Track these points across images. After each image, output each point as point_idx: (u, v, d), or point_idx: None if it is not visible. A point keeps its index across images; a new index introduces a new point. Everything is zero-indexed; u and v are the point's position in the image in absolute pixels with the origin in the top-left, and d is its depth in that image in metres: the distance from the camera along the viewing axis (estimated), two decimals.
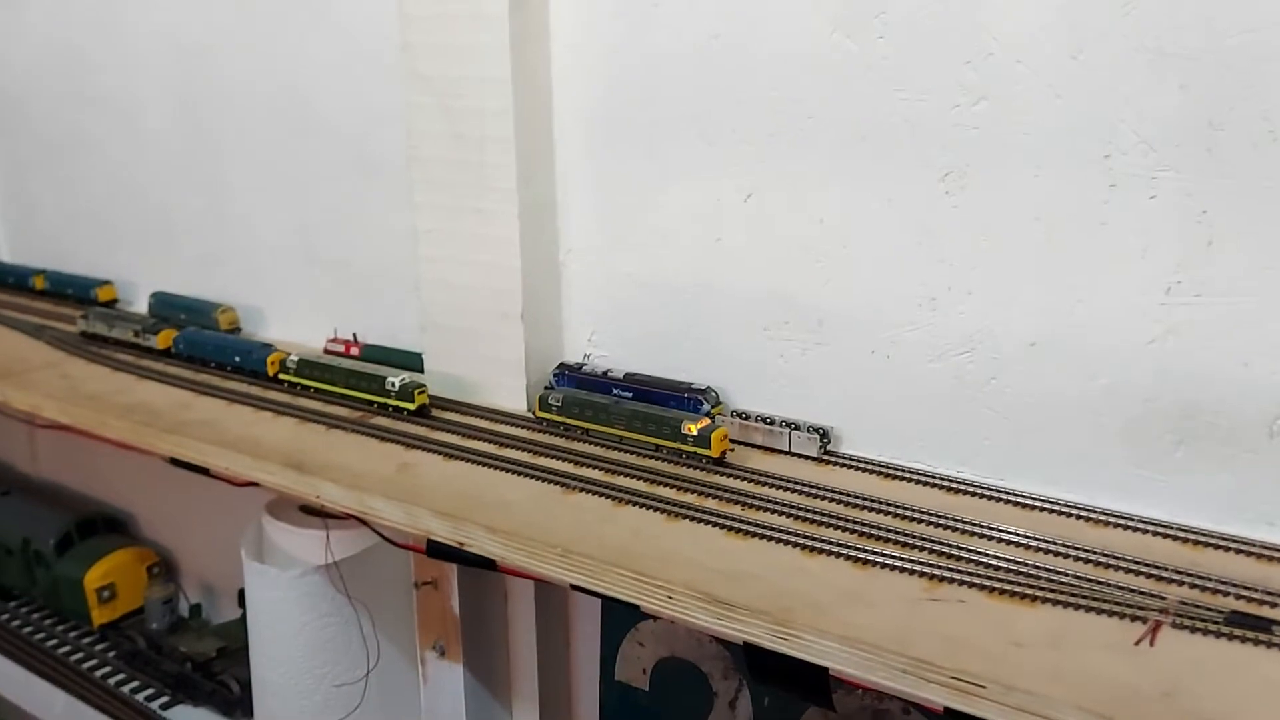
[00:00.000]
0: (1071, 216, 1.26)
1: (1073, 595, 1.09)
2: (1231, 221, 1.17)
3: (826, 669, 1.10)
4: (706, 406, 1.53)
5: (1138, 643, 1.02)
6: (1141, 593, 1.10)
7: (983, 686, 0.97)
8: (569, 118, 1.62)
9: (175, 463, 1.70)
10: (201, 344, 1.98)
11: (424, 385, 1.68)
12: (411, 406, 1.66)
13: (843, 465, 1.45)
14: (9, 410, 2.04)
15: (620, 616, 1.74)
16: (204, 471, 1.67)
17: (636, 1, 1.51)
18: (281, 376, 1.84)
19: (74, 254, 2.52)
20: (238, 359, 1.91)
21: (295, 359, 1.82)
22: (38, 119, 2.50)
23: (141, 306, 2.34)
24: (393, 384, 1.68)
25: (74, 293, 2.43)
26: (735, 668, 1.65)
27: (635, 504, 1.36)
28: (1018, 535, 1.23)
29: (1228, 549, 1.18)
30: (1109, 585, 1.11)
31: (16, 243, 2.70)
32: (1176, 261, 1.20)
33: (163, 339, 2.03)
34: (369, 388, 1.71)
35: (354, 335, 1.96)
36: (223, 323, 2.12)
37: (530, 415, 1.64)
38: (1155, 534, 1.22)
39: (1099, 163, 1.22)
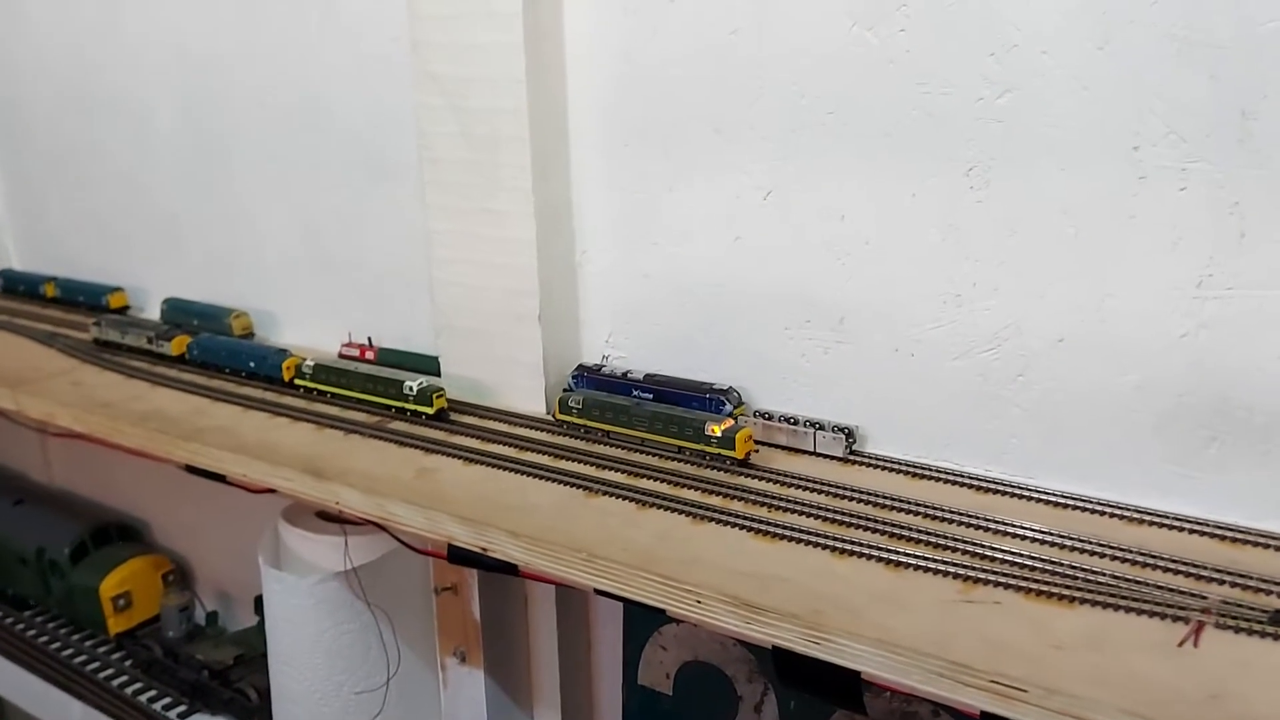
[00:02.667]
0: (1100, 210, 1.23)
1: (1111, 595, 1.07)
2: (1265, 213, 1.14)
3: (859, 673, 1.08)
4: (729, 407, 1.51)
5: (1181, 644, 1.00)
6: (1181, 592, 1.08)
7: (1024, 690, 0.95)
8: (584, 116, 1.60)
9: (191, 470, 1.69)
10: (215, 350, 1.97)
11: (442, 389, 1.66)
12: (430, 411, 1.65)
13: (869, 465, 1.43)
14: (22, 419, 2.02)
15: (642, 620, 1.73)
16: (220, 478, 1.65)
17: None
18: (297, 382, 1.82)
19: (84, 261, 2.51)
20: (252, 364, 1.90)
21: (311, 364, 1.80)
22: (45, 126, 2.49)
23: (152, 313, 2.32)
24: (410, 388, 1.66)
25: (85, 300, 2.41)
26: (760, 671, 1.63)
27: (660, 507, 1.34)
28: (1051, 535, 1.21)
29: (1267, 546, 1.16)
30: (1148, 585, 1.09)
31: (26, 250, 2.68)
32: (1208, 254, 1.18)
33: (176, 345, 2.01)
34: (386, 392, 1.70)
35: (369, 339, 1.94)
36: (236, 328, 2.10)
37: (550, 418, 1.62)
38: (1192, 532, 1.20)
39: (1128, 155, 1.20)
